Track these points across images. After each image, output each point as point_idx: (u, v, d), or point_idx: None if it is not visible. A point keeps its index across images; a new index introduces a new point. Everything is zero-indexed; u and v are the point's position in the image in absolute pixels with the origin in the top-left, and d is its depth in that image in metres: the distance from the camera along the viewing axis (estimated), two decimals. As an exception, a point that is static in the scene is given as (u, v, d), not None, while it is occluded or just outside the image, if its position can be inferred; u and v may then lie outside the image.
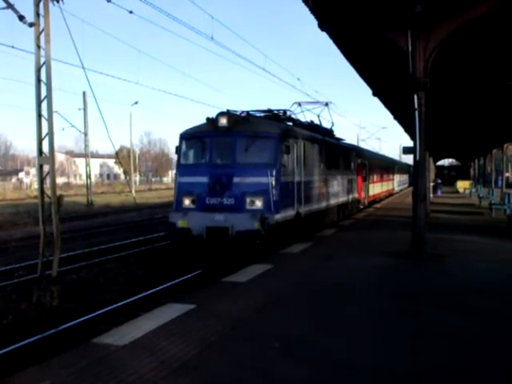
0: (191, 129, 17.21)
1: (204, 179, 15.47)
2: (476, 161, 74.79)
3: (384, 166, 46.08)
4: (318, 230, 20.32)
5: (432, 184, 44.18)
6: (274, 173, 15.30)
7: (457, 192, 57.90)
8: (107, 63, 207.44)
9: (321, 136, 21.72)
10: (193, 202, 15.64)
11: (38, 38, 13.41)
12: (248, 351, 7.03)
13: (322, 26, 14.11)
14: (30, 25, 13.40)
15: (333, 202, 23.09)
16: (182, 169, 16.54)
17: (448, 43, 13.62)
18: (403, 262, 13.72)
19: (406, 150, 34.10)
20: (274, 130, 16.22)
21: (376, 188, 39.84)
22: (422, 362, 6.62)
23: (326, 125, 26.09)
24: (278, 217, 15.37)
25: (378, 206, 37.98)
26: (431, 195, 37.03)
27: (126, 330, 7.86)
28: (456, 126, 35.56)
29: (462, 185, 60.02)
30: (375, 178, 39.28)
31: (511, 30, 14.55)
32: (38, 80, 13.45)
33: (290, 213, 16.51)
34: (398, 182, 61.34)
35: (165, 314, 8.64)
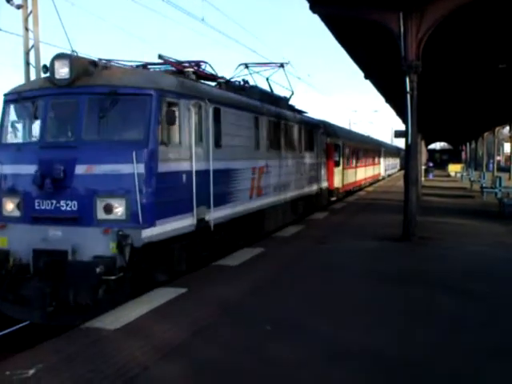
0: (21, 85, 11.17)
1: (31, 169, 9.42)
2: (468, 144, 75.04)
3: (367, 148, 40.62)
4: (256, 240, 14.51)
5: (424, 167, 44.32)
6: (144, 156, 9.23)
7: (448, 175, 58.05)
8: (97, 46, 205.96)
9: (258, 103, 15.15)
10: (18, 206, 9.70)
11: (26, 21, 13.27)
12: (239, 334, 7.04)
13: (314, 8, 14.00)
14: (18, 7, 13.26)
15: (281, 196, 16.83)
16: (2, 152, 10.33)
17: (441, 26, 13.55)
18: (394, 245, 13.77)
19: (398, 134, 34.36)
20: (148, 83, 9.82)
21: (356, 174, 34.30)
22: (409, 342, 6.66)
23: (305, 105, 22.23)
24: (154, 232, 9.36)
25: (369, 189, 37.94)
26: (423, 178, 37.15)
27: (118, 314, 7.84)
28: (448, 110, 35.57)
29: (454, 168, 60.15)
30: (354, 162, 33.56)
31: (504, 14, 14.52)
32: (27, 63, 13.33)
33: (182, 223, 10.28)
34: (385, 167, 55.86)
35: (156, 299, 8.62)
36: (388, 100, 33.73)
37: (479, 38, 16.95)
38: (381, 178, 50.76)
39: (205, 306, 8.23)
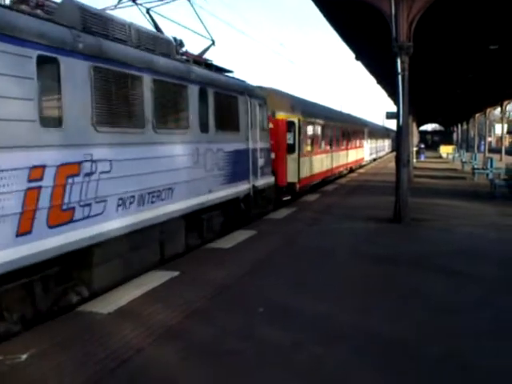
0: None
1: None
2: (459, 126, 75.30)
3: (343, 127, 32.38)
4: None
5: (415, 149, 44.37)
6: None
7: (440, 157, 58.16)
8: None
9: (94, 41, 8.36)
10: None
11: None
12: (232, 317, 7.06)
13: (305, -11, 13.91)
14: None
15: (146, 215, 9.59)
16: None
17: (432, 7, 13.51)
18: (385, 227, 13.82)
19: (390, 115, 34.08)
20: None
21: (323, 162, 26.13)
22: (399, 322, 6.72)
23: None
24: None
25: (361, 170, 37.86)
26: (414, 160, 37.19)
27: (111, 298, 7.84)
28: (439, 91, 35.63)
29: (445, 150, 60.28)
30: (321, 146, 25.78)
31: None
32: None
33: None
34: (370, 150, 48.25)
35: (149, 282, 8.63)
36: (379, 81, 33.67)
37: (470, 19, 16.91)
38: (364, 163, 44.45)
39: (197, 289, 8.24)
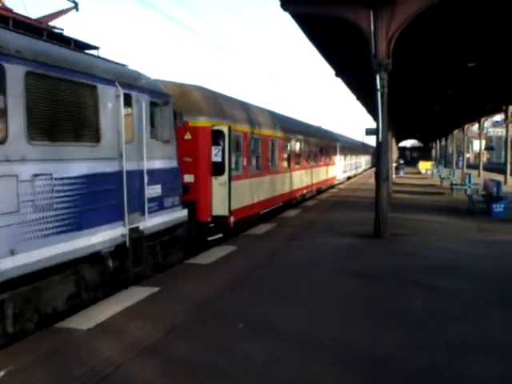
0: None
1: None
2: (438, 142, 76.12)
3: (305, 141, 27.20)
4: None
5: (394, 165, 44.73)
6: None
7: (419, 173, 58.68)
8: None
9: None
10: None
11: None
12: (212, 333, 7.04)
13: (285, 6, 14.04)
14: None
15: None
16: None
17: (411, 24, 13.69)
18: (365, 242, 13.89)
19: (369, 132, 34.20)
20: None
21: (273, 185, 20.63)
22: (379, 337, 6.74)
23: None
24: None
25: (341, 186, 37.93)
26: (394, 176, 37.40)
27: (90, 313, 7.78)
28: (418, 107, 36.06)
29: (424, 165, 60.85)
30: (272, 163, 20.56)
31: (473, 14, 14.74)
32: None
33: None
34: (344, 167, 43.59)
35: (129, 298, 8.58)
36: (359, 97, 33.99)
37: (449, 37, 17.19)
38: (337, 181, 39.64)
39: (178, 305, 8.21)
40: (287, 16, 14.60)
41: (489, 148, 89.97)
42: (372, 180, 18.88)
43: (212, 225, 14.32)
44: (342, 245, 13.58)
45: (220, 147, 14.18)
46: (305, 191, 27.35)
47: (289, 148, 23.62)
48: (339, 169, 40.33)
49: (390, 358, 6.13)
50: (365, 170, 64.48)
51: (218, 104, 15.42)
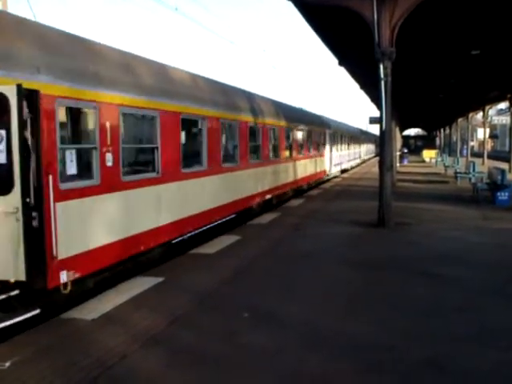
0: None
1: None
2: (442, 130, 75.87)
3: (277, 127, 20.19)
4: None
5: (398, 153, 44.59)
6: None
7: (423, 161, 58.49)
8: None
9: None
10: None
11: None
12: (217, 322, 7.04)
13: (289, -5, 13.96)
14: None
15: None
16: None
17: (414, 12, 13.60)
18: (370, 231, 13.87)
19: (373, 120, 34.05)
20: None
21: (214, 192, 13.48)
22: (383, 327, 6.75)
23: None
24: None
25: (345, 175, 37.79)
26: (397, 164, 37.29)
27: (95, 304, 7.80)
28: (422, 96, 35.91)
29: (428, 154, 60.67)
30: (198, 160, 12.76)
31: (477, 1, 14.62)
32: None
33: None
34: (336, 158, 35.81)
35: (133, 288, 8.59)
36: (363, 86, 33.86)
37: (452, 25, 17.07)
38: (326, 177, 32.63)
39: (182, 295, 8.22)
40: (290, 5, 14.54)
41: (493, 136, 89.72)
42: (375, 169, 18.71)
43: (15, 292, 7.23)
44: (346, 234, 13.56)
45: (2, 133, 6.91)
46: (276, 192, 20.34)
47: (252, 136, 17.05)
48: (328, 161, 32.51)
49: (393, 349, 6.13)
50: (364, 162, 59.83)
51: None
